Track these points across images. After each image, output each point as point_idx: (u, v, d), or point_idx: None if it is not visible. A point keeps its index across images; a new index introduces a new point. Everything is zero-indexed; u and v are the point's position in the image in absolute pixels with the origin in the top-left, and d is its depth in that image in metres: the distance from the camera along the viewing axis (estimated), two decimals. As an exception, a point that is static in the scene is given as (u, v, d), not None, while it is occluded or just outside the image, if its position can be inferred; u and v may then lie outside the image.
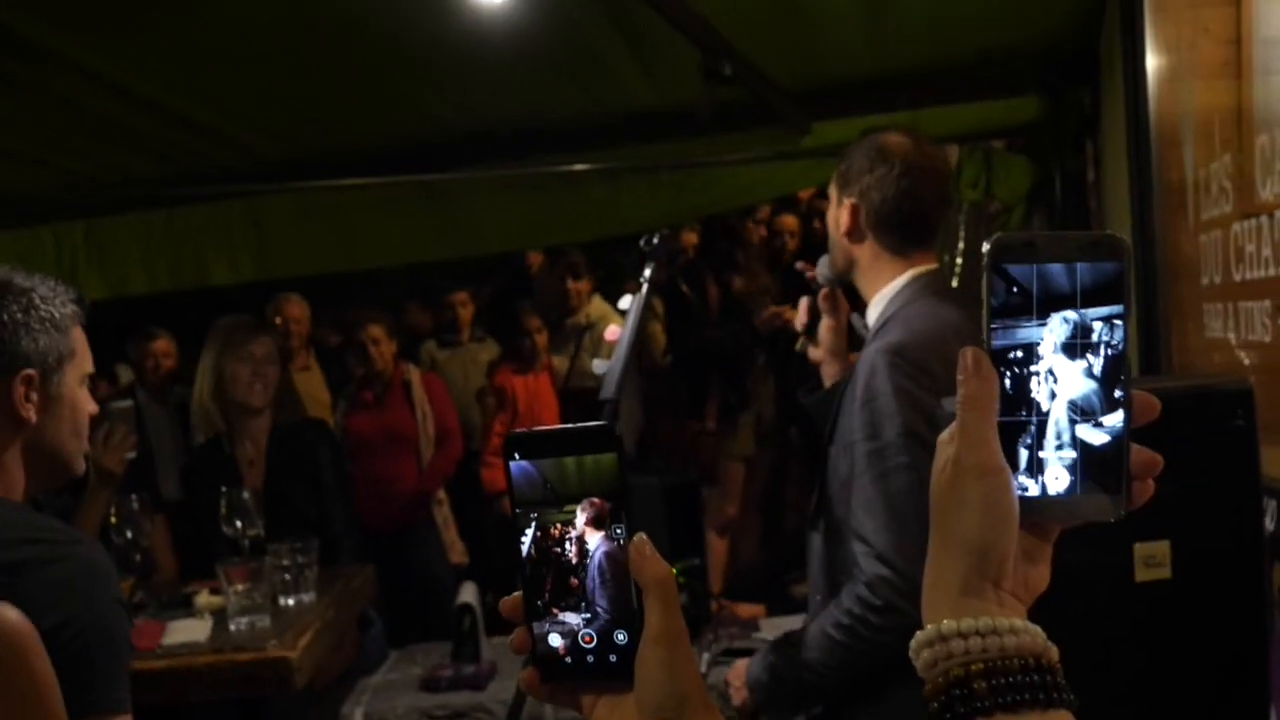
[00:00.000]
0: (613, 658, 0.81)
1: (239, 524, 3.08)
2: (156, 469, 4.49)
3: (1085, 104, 3.55)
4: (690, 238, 5.77)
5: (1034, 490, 0.76)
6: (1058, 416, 0.75)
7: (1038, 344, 0.74)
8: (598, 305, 5.65)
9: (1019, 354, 0.75)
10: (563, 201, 4.11)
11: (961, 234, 3.87)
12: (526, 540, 0.81)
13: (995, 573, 0.74)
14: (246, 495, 3.09)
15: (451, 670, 3.22)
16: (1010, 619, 0.72)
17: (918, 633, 0.75)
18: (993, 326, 0.75)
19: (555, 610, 0.82)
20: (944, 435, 0.77)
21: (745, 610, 3.47)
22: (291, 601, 2.96)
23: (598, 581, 0.80)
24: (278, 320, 5.05)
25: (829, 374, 2.27)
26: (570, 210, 4.13)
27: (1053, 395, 0.75)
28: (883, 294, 2.09)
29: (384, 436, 4.81)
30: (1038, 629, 0.73)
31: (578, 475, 0.80)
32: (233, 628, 2.77)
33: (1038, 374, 0.75)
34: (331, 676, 3.24)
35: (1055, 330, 0.74)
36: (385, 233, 4.25)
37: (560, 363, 5.58)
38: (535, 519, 0.81)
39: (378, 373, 4.83)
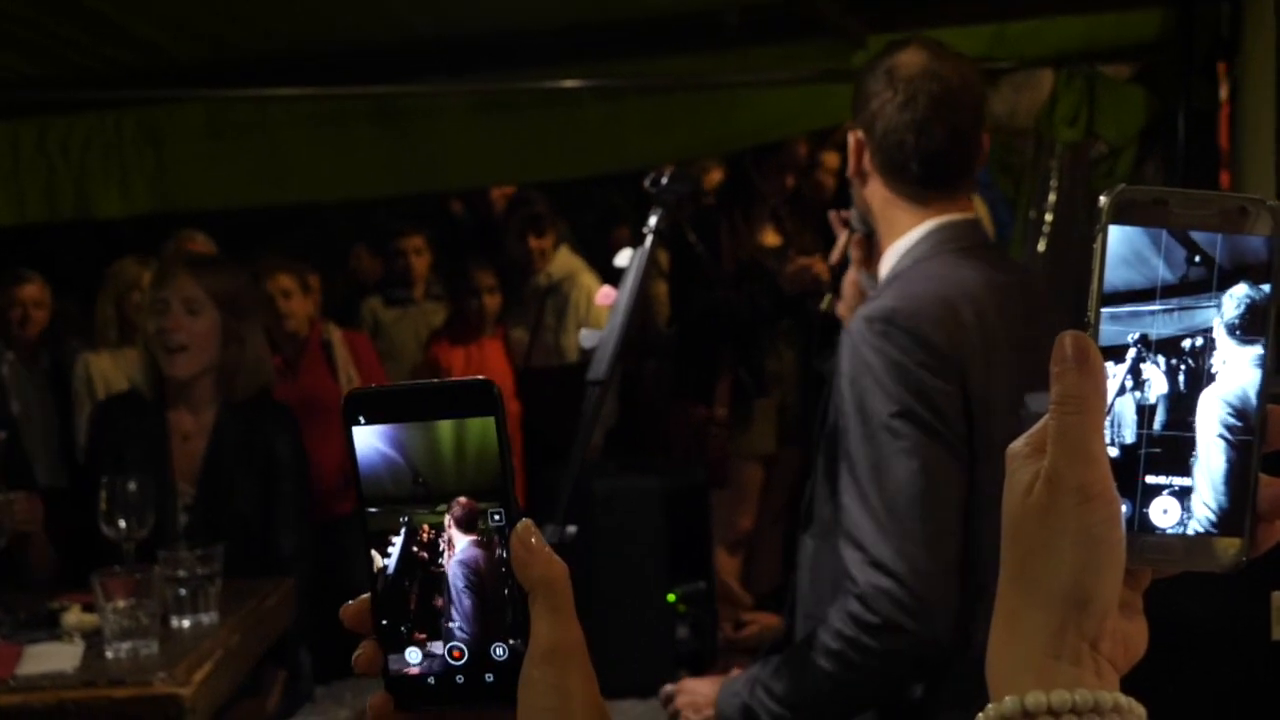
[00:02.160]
0: (489, 677, 0.81)
1: (122, 523, 3.02)
2: (28, 451, 4.44)
3: (1222, 19, 3.50)
4: (714, 175, 5.69)
5: (1136, 524, 0.74)
6: (1169, 430, 0.74)
7: (1156, 334, 0.74)
8: (564, 259, 5.59)
9: (1131, 344, 0.74)
10: (549, 127, 4.08)
11: (1054, 184, 3.82)
12: (394, 549, 0.80)
13: (1095, 630, 0.72)
14: (133, 485, 3.03)
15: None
16: (1114, 694, 0.70)
17: (990, 707, 0.72)
18: (1104, 307, 0.73)
19: (420, 636, 0.81)
20: (1019, 445, 0.74)
21: (762, 620, 3.40)
22: (187, 623, 2.90)
23: (467, 593, 0.80)
24: None
25: None
26: (559, 138, 4.11)
27: (1166, 401, 0.74)
28: (895, 247, 2.11)
29: (298, 408, 4.76)
30: (1141, 709, 0.71)
31: (454, 456, 0.79)
32: (109, 655, 2.71)
33: (1151, 372, 0.73)
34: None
35: (1179, 318, 0.73)
36: (321, 159, 4.22)
37: (520, 336, 5.53)
38: (404, 521, 0.80)
39: (289, 334, 4.80)
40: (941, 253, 2.05)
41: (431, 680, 0.81)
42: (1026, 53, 3.71)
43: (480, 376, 0.79)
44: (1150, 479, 0.74)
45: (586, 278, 5.49)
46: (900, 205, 2.10)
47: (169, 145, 4.16)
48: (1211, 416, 0.73)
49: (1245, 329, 0.73)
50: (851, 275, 2.32)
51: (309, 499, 3.61)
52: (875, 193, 2.13)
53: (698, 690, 2.19)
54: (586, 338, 2.22)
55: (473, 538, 0.79)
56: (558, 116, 4.07)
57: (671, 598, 3.47)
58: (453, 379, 0.80)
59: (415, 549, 0.80)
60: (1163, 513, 0.74)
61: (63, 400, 4.87)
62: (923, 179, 2.07)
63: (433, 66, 4.04)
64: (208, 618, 2.93)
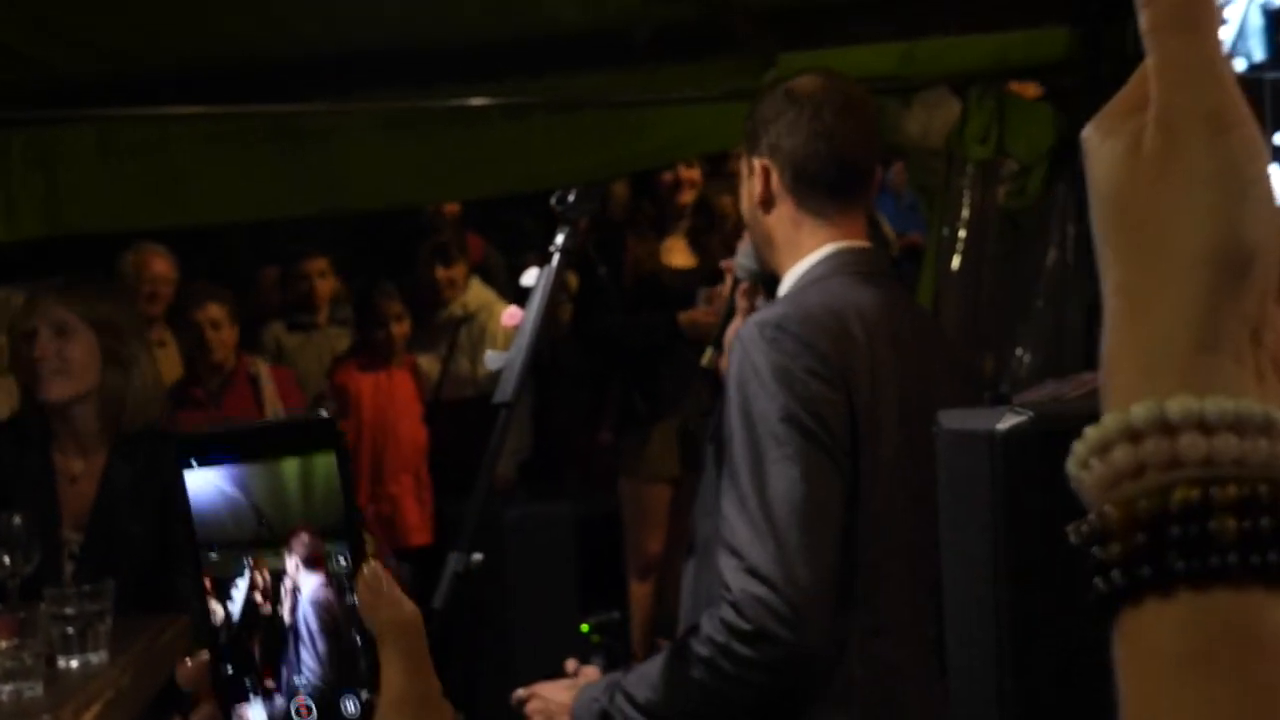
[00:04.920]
0: None
1: (6, 559, 2.93)
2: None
3: (1128, 40, 3.54)
4: (619, 191, 5.66)
5: None
6: None
7: None
8: (477, 292, 5.57)
9: None
10: (455, 146, 4.05)
11: (966, 200, 3.85)
12: (237, 595, 0.76)
13: (1255, 309, 0.51)
14: (17, 520, 2.94)
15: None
16: None
17: (1106, 416, 0.51)
18: None
19: (267, 687, 0.77)
20: (1097, 120, 0.58)
21: None
22: (75, 663, 2.81)
23: (313, 639, 0.77)
24: (137, 281, 4.98)
25: None
26: (465, 157, 4.07)
27: None
28: (794, 270, 2.12)
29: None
30: None
31: (299, 494, 0.76)
32: (-9, 698, 2.63)
33: None
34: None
35: None
36: (220, 180, 4.14)
37: (430, 365, 5.47)
38: (248, 564, 0.76)
39: (215, 364, 4.72)
40: (840, 274, 2.08)
41: None
42: (937, 70, 3.75)
43: (321, 413, 0.77)
44: None
45: (501, 309, 5.45)
46: (806, 226, 2.12)
47: (59, 167, 4.04)
48: None
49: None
50: (736, 325, 2.30)
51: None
52: (782, 217, 2.14)
53: (552, 697, 2.11)
54: (492, 360, 2.18)
55: (319, 578, 0.76)
56: (465, 135, 4.04)
57: (585, 628, 3.43)
58: (291, 417, 0.78)
59: (259, 595, 0.76)
60: None
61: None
62: (835, 186, 2.10)
63: (336, 84, 4.00)
64: (96, 657, 2.84)
